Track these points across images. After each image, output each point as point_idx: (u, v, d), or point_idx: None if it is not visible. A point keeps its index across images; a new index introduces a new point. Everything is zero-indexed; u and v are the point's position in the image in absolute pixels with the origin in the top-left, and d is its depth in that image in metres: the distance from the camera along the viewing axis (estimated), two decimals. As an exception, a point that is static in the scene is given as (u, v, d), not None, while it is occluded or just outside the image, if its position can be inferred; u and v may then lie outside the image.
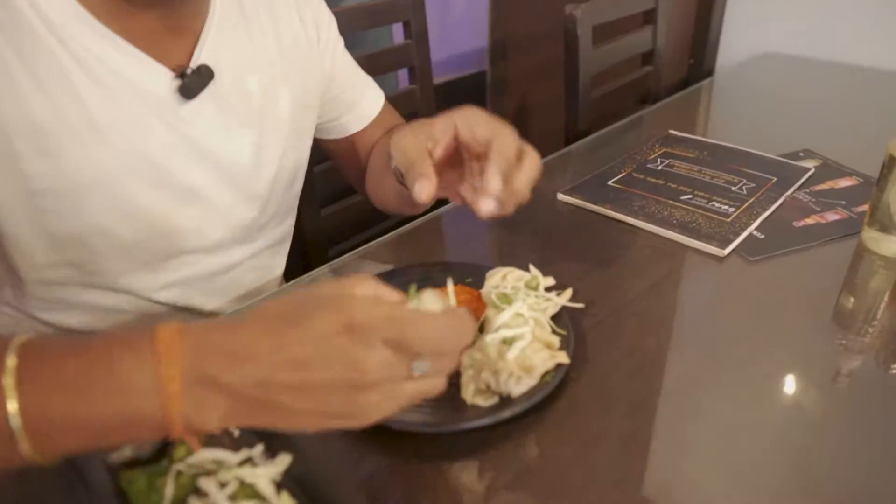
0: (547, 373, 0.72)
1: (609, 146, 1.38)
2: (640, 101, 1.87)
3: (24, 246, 0.79)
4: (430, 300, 0.54)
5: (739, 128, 1.46)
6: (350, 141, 1.06)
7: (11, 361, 0.46)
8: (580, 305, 0.83)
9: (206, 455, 0.63)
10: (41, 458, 0.48)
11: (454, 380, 0.74)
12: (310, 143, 1.00)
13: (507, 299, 0.78)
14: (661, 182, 1.18)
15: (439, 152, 0.68)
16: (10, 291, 0.87)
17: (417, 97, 1.58)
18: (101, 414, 0.46)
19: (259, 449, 0.66)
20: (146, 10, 0.73)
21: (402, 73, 1.61)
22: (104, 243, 0.81)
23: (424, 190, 0.63)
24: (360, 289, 0.48)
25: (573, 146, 1.39)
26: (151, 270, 0.87)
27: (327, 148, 1.10)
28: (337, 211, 1.49)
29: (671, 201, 1.12)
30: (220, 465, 0.63)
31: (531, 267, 0.85)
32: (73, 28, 0.71)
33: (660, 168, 1.23)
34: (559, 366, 0.73)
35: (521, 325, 0.74)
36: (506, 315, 0.75)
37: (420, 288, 0.55)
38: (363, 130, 1.05)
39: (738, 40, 2.06)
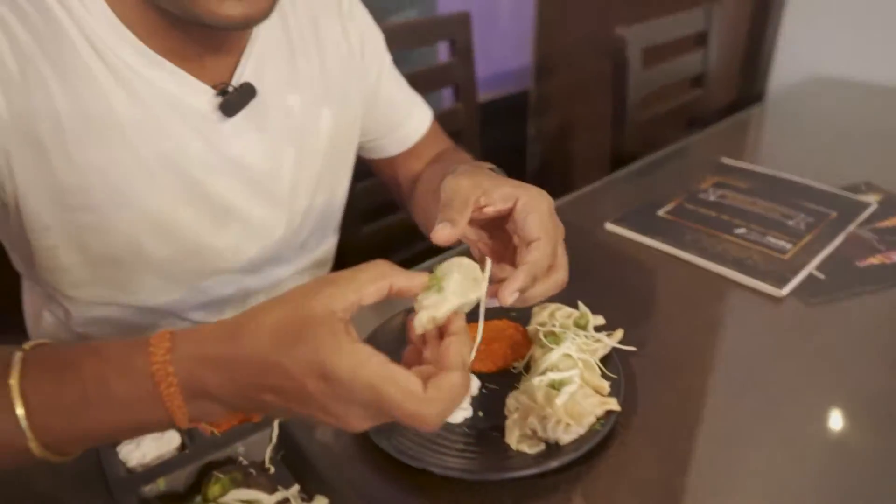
0: (597, 420, 0.69)
1: (657, 173, 1.34)
2: (687, 124, 1.82)
3: (63, 262, 0.78)
4: (454, 287, 0.52)
5: (794, 157, 1.41)
6: (392, 162, 1.04)
7: (15, 368, 0.49)
8: (632, 349, 0.79)
9: (241, 495, 0.61)
10: (54, 458, 0.50)
11: (498, 423, 0.70)
12: (352, 162, 0.98)
13: (555, 339, 0.74)
14: (713, 214, 1.14)
15: (489, 212, 0.64)
16: (56, 311, 0.87)
17: (461, 116, 1.56)
18: (106, 425, 0.50)
19: (295, 490, 0.64)
20: (190, 31, 0.72)
21: (446, 92, 1.59)
22: (138, 261, 0.80)
23: (443, 233, 0.60)
24: (352, 299, 0.48)
25: (619, 172, 1.35)
26: (188, 290, 0.86)
27: (370, 164, 1.08)
28: (379, 228, 1.47)
29: (724, 235, 1.07)
30: (254, 506, 0.60)
31: (580, 304, 0.81)
32: (111, 42, 0.70)
33: (712, 199, 1.19)
34: (609, 413, 0.70)
35: (570, 368, 0.71)
36: (554, 356, 0.72)
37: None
38: (405, 153, 1.03)
39: (791, 63, 2.00)
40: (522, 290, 0.59)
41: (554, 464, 0.65)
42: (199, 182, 0.78)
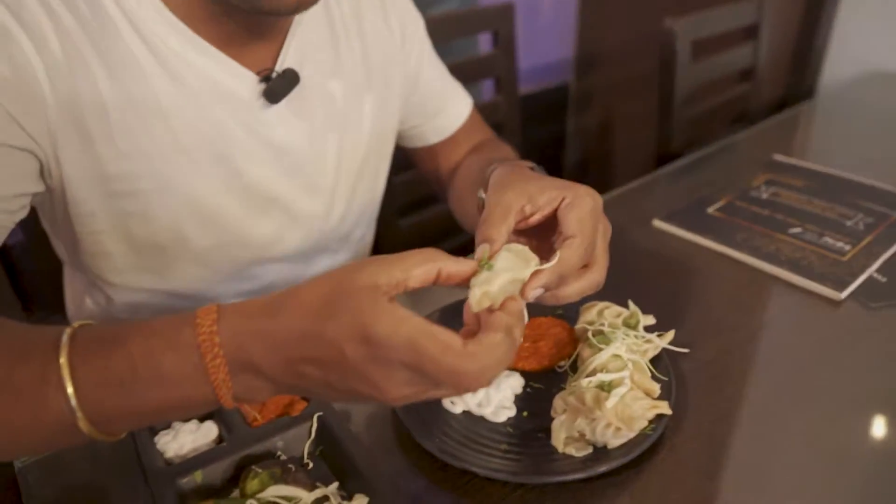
0: (647, 424, 0.66)
1: (705, 170, 1.30)
2: (735, 120, 1.77)
3: (107, 248, 0.78)
4: (505, 263, 0.52)
5: (848, 154, 1.35)
6: (431, 151, 1.02)
7: (64, 348, 0.49)
8: (684, 350, 0.75)
9: (280, 492, 0.59)
10: (103, 437, 0.50)
11: (544, 424, 0.68)
12: (391, 149, 0.96)
13: (604, 339, 0.71)
14: (766, 213, 1.09)
15: (535, 220, 0.61)
16: (97, 298, 0.87)
17: (502, 108, 1.53)
18: (153, 402, 0.49)
19: (334, 487, 0.62)
20: (236, 17, 0.71)
21: (487, 84, 1.56)
22: (181, 248, 0.79)
23: (482, 252, 0.57)
24: (399, 277, 0.47)
25: (666, 169, 1.31)
26: (230, 279, 0.85)
27: (409, 154, 1.06)
28: (417, 222, 1.45)
29: (778, 234, 1.03)
30: (293, 502, 0.59)
31: (630, 303, 0.78)
32: (156, 28, 0.69)
33: (764, 197, 1.14)
34: (659, 417, 0.67)
35: (620, 369, 0.68)
36: (603, 356, 0.69)
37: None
38: (445, 142, 1.01)
39: (844, 57, 1.93)
40: (548, 288, 0.55)
41: (602, 468, 0.62)
42: (241, 170, 0.77)
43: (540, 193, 0.61)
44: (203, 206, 0.77)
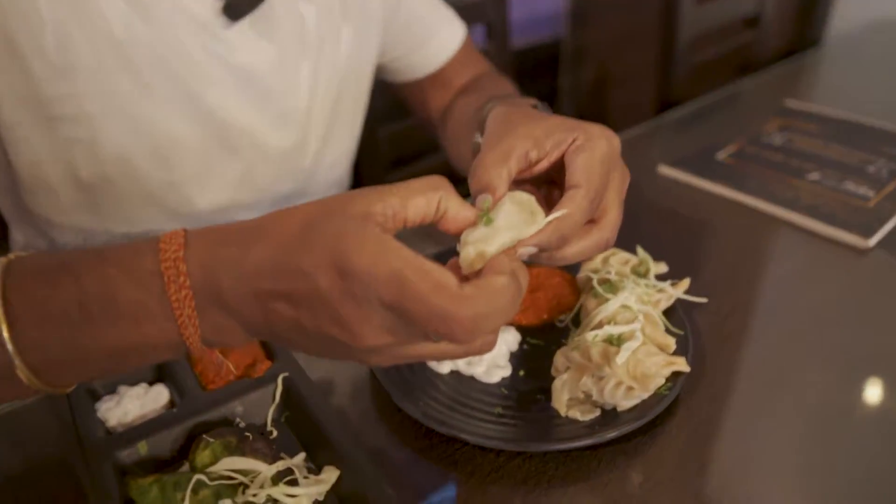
0: (663, 383, 0.57)
1: (712, 117, 1.20)
2: (739, 70, 1.67)
3: (49, 181, 0.68)
4: (507, 219, 0.43)
5: (861, 101, 1.26)
6: (420, 87, 0.92)
7: None
8: (702, 300, 0.67)
9: (235, 464, 0.50)
10: (47, 388, 0.43)
11: (544, 384, 0.59)
12: (368, 85, 0.86)
13: (611, 288, 0.63)
14: (780, 158, 1.01)
15: (542, 167, 0.50)
16: (41, 243, 0.77)
17: (493, 58, 1.42)
18: (106, 343, 0.41)
19: (300, 458, 0.53)
20: None
21: (478, 30, 1.45)
22: (132, 185, 0.69)
23: (483, 203, 0.47)
24: (396, 206, 0.40)
25: (669, 115, 1.22)
26: (189, 223, 0.76)
27: (398, 92, 0.96)
28: (404, 177, 1.36)
29: (795, 180, 0.94)
30: (251, 477, 0.50)
31: (639, 249, 0.69)
32: None
33: (778, 143, 1.05)
34: (676, 375, 0.58)
35: (630, 321, 0.60)
36: (611, 307, 0.60)
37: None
38: (434, 76, 0.90)
39: (853, 5, 1.83)
40: (543, 248, 0.45)
41: (611, 433, 0.54)
42: (200, 95, 0.68)
43: (547, 136, 0.50)
44: (157, 134, 0.67)
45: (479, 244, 0.41)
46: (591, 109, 2.29)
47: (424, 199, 0.41)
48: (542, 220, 0.44)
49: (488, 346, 0.40)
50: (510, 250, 0.43)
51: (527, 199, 0.45)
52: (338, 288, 0.36)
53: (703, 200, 0.92)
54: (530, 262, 0.46)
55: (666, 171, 0.98)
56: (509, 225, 0.43)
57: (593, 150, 0.48)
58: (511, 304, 0.38)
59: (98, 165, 0.67)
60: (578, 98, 2.27)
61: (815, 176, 0.95)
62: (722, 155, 1.02)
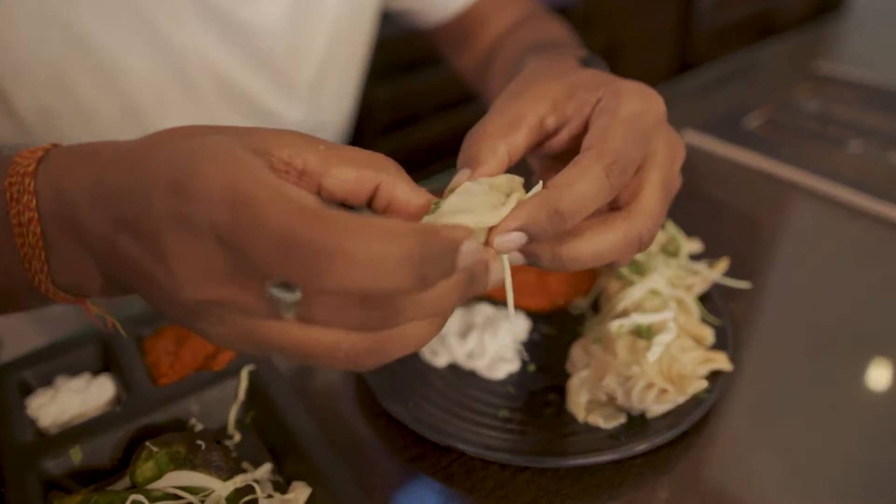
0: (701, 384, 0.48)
1: (732, 82, 1.10)
2: (760, 34, 1.57)
3: None
4: (456, 203, 0.32)
5: (891, 66, 1.15)
6: (448, 32, 0.78)
7: None
8: (744, 285, 0.57)
9: (183, 479, 0.41)
10: None
11: (558, 382, 0.50)
12: (369, 27, 0.74)
13: (637, 268, 0.53)
14: (817, 126, 0.91)
15: (562, 140, 0.39)
16: None
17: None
18: None
19: (265, 470, 0.44)
20: None
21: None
22: (76, 119, 0.60)
23: (464, 176, 0.36)
24: (312, 163, 0.31)
25: (687, 78, 1.11)
26: None
27: (428, 41, 0.83)
28: (403, 144, 1.26)
29: (835, 150, 0.84)
30: (202, 495, 0.41)
31: (669, 223, 0.60)
32: None
33: (814, 109, 0.95)
34: (716, 374, 0.49)
35: (660, 309, 0.50)
36: (637, 292, 0.51)
37: None
38: (458, 23, 0.77)
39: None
40: (535, 235, 0.32)
41: (641, 446, 0.45)
42: (158, 24, 0.58)
43: (568, 97, 0.38)
44: (107, 64, 0.58)
45: None
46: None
47: (355, 172, 0.32)
48: (516, 199, 0.33)
49: (410, 339, 0.29)
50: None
51: (505, 180, 0.34)
52: (166, 208, 0.27)
53: (731, 170, 0.82)
54: (532, 264, 0.35)
55: (690, 137, 0.88)
56: (466, 208, 0.31)
57: (619, 107, 0.36)
58: (396, 252, 0.25)
59: (34, 93, 0.58)
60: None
61: (856, 146, 0.86)
62: (750, 121, 0.92)
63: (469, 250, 0.27)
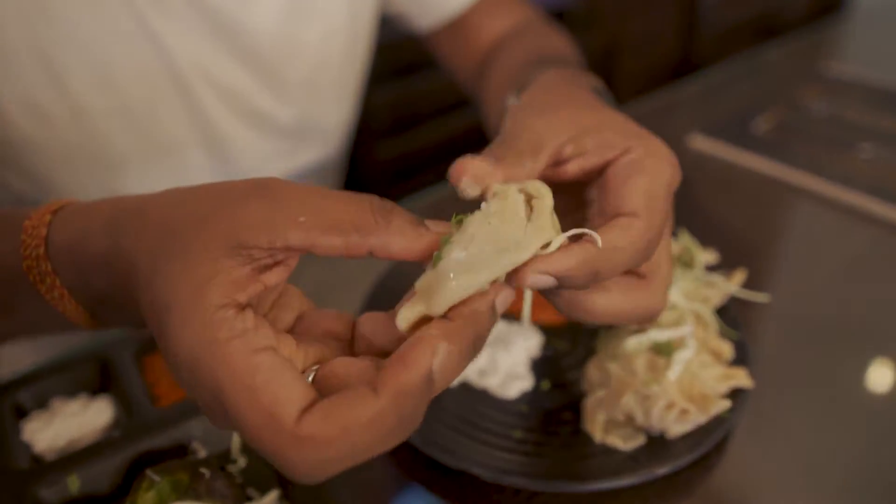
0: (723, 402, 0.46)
1: (737, 84, 1.08)
2: (763, 35, 1.55)
3: None
4: (467, 250, 0.29)
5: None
6: (443, 36, 0.77)
7: None
8: (763, 298, 0.56)
9: (185, 510, 0.39)
10: None
11: (574, 400, 0.48)
12: (369, 26, 0.73)
13: (653, 282, 0.51)
14: (828, 130, 0.89)
15: (572, 170, 0.36)
16: None
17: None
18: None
19: (273, 497, 0.42)
20: None
21: None
22: (75, 125, 0.58)
23: (470, 167, 0.33)
24: (280, 240, 0.29)
25: (691, 81, 1.09)
26: (138, 168, 0.64)
27: (424, 45, 0.81)
28: (402, 149, 1.24)
29: (845, 154, 0.83)
30: (206, 526, 0.39)
31: (683, 233, 0.58)
32: None
33: (824, 112, 0.94)
34: (736, 392, 0.47)
35: (678, 323, 0.49)
36: (654, 306, 0.49)
37: None
38: (455, 28, 0.75)
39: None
40: (566, 282, 0.31)
41: (663, 469, 0.43)
42: (148, 18, 0.57)
43: (593, 132, 0.36)
44: (85, 45, 0.56)
45: (420, 300, 0.29)
46: (604, 75, 2.15)
47: (342, 241, 0.29)
48: (554, 236, 0.30)
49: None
50: (485, 293, 0.29)
51: (534, 189, 0.31)
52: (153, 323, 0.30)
53: (741, 176, 0.81)
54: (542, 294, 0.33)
55: (697, 142, 0.86)
56: (476, 259, 0.28)
57: (658, 174, 0.35)
58: (389, 433, 0.27)
59: (24, 88, 0.56)
60: (591, 62, 2.13)
61: (867, 149, 0.84)
62: (758, 124, 0.90)
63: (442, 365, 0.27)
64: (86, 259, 0.34)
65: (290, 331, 0.33)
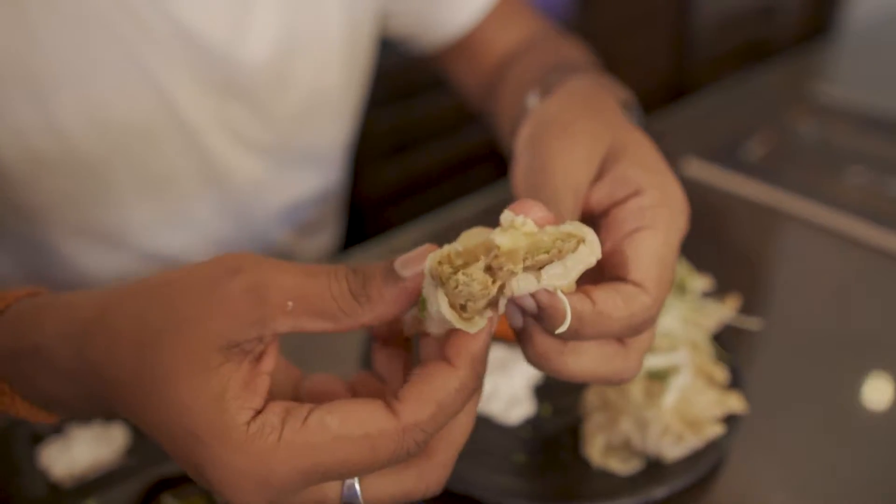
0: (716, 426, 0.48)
1: (728, 107, 1.10)
2: (753, 58, 1.58)
3: None
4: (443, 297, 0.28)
5: (887, 90, 1.16)
6: (450, 56, 0.76)
7: None
8: (755, 325, 0.57)
9: (202, 535, 0.41)
10: None
11: (575, 424, 0.50)
12: (366, 53, 0.72)
13: (649, 309, 0.53)
14: (817, 153, 0.92)
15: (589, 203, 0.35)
16: None
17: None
18: None
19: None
20: None
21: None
22: (53, 141, 0.58)
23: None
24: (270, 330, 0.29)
25: (682, 104, 1.12)
26: (135, 200, 0.64)
27: (432, 66, 0.81)
28: (406, 170, 1.25)
29: (836, 178, 0.85)
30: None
31: (678, 259, 0.60)
32: None
33: (812, 135, 0.96)
34: (729, 417, 0.49)
35: (673, 348, 0.50)
36: (650, 333, 0.51)
37: None
38: (467, 40, 0.73)
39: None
40: (545, 313, 0.29)
41: (660, 492, 0.45)
42: (137, 54, 0.57)
43: (610, 161, 0.34)
44: (62, 61, 0.55)
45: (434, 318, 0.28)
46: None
47: (332, 325, 0.29)
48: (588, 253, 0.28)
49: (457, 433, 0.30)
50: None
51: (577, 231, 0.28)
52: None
53: (733, 202, 0.83)
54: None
55: (689, 167, 0.88)
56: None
57: (672, 232, 0.33)
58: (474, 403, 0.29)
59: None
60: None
61: (857, 173, 0.86)
62: (750, 149, 0.92)
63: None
64: (40, 369, 0.32)
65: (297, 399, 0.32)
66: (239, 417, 0.27)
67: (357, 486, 0.29)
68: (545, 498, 0.45)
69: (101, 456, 0.49)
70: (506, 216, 0.28)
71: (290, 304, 0.28)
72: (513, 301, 0.28)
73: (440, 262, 0.27)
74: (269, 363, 0.30)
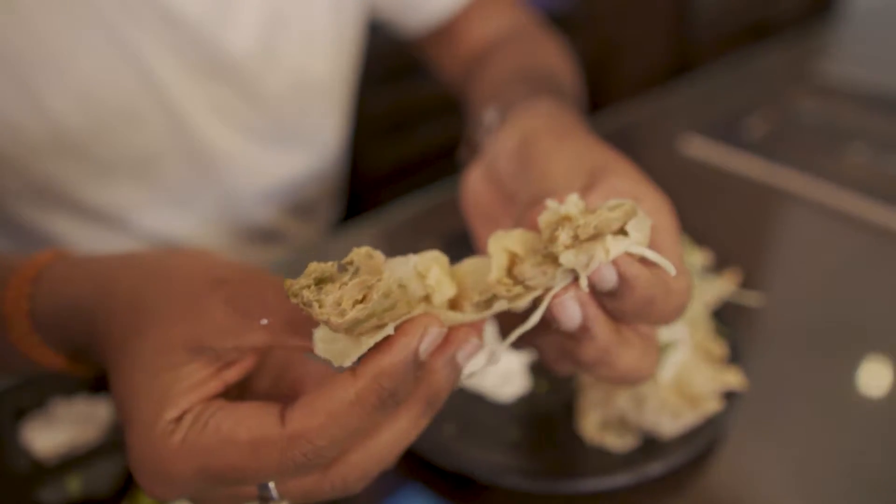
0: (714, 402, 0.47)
1: (728, 86, 1.09)
2: (754, 37, 1.56)
3: None
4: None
5: (890, 68, 1.14)
6: (429, 42, 0.76)
7: None
8: (755, 300, 0.56)
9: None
10: None
11: (570, 401, 0.49)
12: (354, 34, 0.72)
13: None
14: (818, 132, 0.90)
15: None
16: None
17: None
18: None
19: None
20: None
21: None
22: (41, 131, 0.57)
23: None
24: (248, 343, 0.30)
25: (681, 83, 1.10)
26: (122, 181, 0.64)
27: (415, 50, 0.81)
28: (404, 151, 1.24)
29: (837, 155, 0.84)
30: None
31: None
32: None
33: (814, 113, 0.95)
34: (728, 393, 0.48)
35: (672, 325, 0.49)
36: (647, 308, 0.50)
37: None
38: (443, 34, 0.75)
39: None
40: (629, 282, 0.28)
41: (657, 469, 0.43)
42: (122, 35, 0.57)
43: (599, 174, 0.34)
44: (65, 68, 0.56)
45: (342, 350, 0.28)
46: (598, 78, 2.16)
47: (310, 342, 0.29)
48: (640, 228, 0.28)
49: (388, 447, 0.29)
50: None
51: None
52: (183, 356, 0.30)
53: (733, 178, 0.81)
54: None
55: (689, 144, 0.87)
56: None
57: (673, 232, 0.32)
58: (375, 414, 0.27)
59: None
60: (585, 66, 2.14)
61: (858, 150, 0.85)
62: (751, 126, 0.91)
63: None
64: (75, 320, 0.34)
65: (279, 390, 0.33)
66: (168, 414, 0.28)
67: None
68: (539, 475, 0.44)
69: (84, 433, 0.48)
70: (552, 203, 0.29)
71: (265, 320, 0.29)
72: (555, 299, 0.28)
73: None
74: (234, 374, 0.30)
